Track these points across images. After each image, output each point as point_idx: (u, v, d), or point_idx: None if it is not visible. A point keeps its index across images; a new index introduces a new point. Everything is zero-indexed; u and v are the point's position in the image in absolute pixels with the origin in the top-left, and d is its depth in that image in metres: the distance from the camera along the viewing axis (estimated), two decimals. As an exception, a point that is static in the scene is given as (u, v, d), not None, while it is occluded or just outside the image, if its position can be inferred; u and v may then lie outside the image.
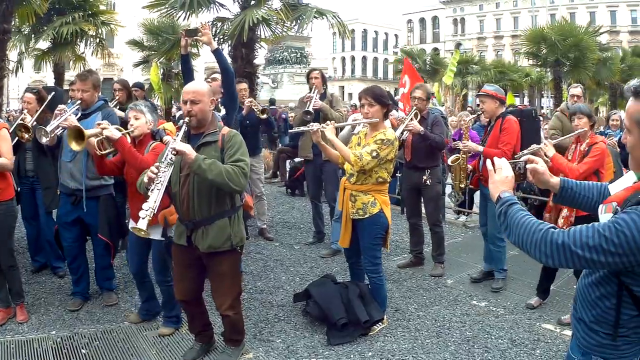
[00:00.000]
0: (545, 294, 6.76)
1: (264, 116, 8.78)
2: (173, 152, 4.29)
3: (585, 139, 6.34)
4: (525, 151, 6.32)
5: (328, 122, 5.91)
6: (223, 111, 7.46)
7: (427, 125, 7.55)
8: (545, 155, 6.13)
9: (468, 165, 7.64)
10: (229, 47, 13.07)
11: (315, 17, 13.17)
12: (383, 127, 5.85)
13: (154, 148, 5.35)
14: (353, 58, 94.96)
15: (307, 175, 9.70)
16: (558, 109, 9.25)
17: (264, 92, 39.48)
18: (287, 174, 14.78)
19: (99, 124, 5.35)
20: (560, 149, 6.59)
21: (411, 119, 7.54)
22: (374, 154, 5.58)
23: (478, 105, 8.59)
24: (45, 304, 6.52)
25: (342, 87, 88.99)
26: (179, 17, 13.27)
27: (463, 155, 7.57)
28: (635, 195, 2.41)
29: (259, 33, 13.39)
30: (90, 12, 19.79)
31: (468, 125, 7.98)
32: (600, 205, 2.70)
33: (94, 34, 20.29)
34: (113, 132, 5.19)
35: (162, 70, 23.12)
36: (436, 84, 26.62)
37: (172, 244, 4.98)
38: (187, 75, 6.87)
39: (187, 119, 4.55)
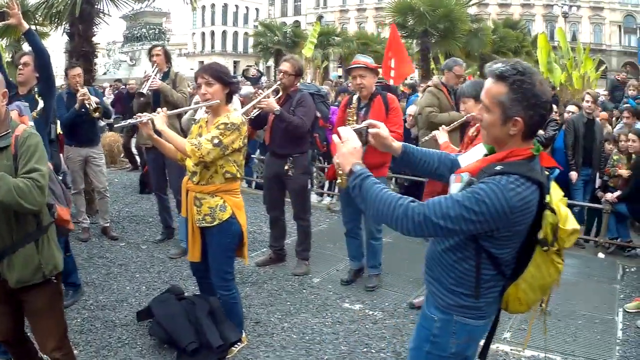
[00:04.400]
0: None
1: (97, 115, 7.63)
2: None
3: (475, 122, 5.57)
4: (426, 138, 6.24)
5: (159, 109, 4.81)
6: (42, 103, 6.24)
7: (292, 105, 6.60)
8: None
9: None
10: (66, 24, 11.72)
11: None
12: (226, 111, 4.81)
13: None
14: (213, 33, 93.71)
15: (148, 165, 8.59)
16: (430, 83, 8.41)
17: (122, 71, 38.38)
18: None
19: None
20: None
21: (267, 96, 6.57)
22: (215, 141, 4.53)
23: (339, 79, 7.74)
24: None
25: (202, 62, 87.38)
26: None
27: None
28: (490, 167, 2.58)
29: (100, 7, 12.07)
30: None
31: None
32: (452, 175, 2.78)
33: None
34: None
35: (10, 54, 21.14)
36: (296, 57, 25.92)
37: None
38: None
39: None
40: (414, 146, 3.21)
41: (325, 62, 49.34)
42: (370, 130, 3.09)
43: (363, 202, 2.69)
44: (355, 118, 6.29)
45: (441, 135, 5.58)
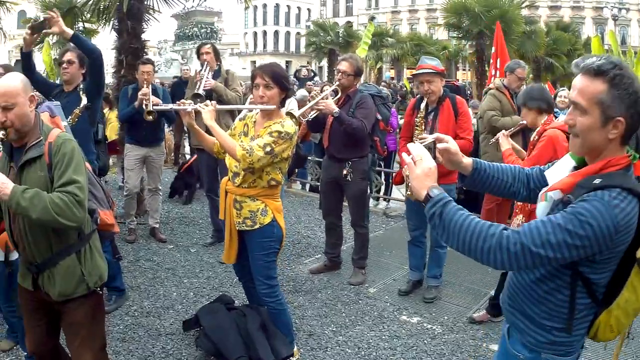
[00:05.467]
0: (496, 309, 5.55)
1: (150, 118, 7.18)
2: None
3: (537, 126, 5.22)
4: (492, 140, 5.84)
5: (208, 102, 4.54)
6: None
7: (351, 107, 6.26)
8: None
9: None
10: (115, 20, 11.54)
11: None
12: (279, 116, 4.56)
13: None
14: (265, 33, 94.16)
15: (200, 166, 8.31)
16: (492, 85, 8.03)
17: (173, 69, 38.80)
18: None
19: None
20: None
21: (326, 97, 6.26)
22: (268, 149, 4.29)
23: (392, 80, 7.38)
24: None
25: (254, 62, 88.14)
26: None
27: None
28: (587, 181, 2.26)
29: (149, 3, 11.87)
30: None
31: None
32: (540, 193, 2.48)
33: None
34: None
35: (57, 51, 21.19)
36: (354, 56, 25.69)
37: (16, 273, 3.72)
38: (29, 75, 5.64)
39: (1, 133, 3.24)
40: (485, 162, 2.84)
41: (379, 63, 49.04)
42: (438, 145, 2.72)
43: (444, 232, 2.36)
44: (423, 126, 6.00)
45: (504, 142, 5.31)
